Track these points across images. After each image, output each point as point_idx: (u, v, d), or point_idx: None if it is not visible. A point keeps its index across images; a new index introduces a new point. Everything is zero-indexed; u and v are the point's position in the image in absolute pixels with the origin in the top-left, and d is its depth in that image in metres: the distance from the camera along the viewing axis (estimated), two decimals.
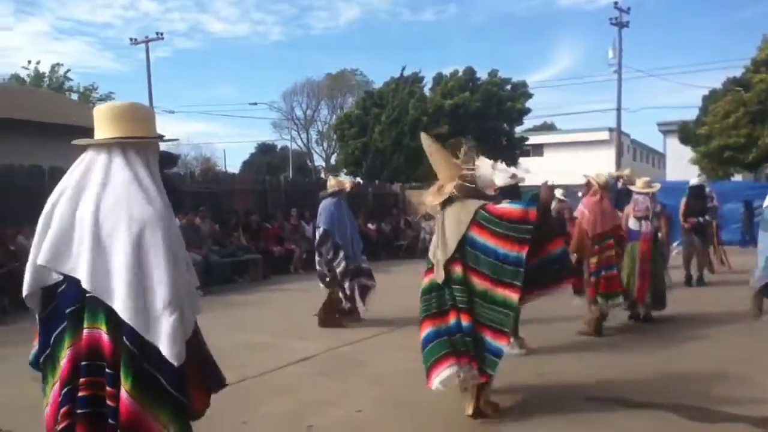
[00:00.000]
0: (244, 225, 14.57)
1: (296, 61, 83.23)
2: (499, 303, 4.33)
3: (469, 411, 4.62)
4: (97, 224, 2.23)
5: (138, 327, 2.19)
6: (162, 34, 35.29)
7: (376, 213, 19.50)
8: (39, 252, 2.28)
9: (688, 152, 29.87)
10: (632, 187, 8.52)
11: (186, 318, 2.30)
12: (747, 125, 24.56)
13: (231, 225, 14.32)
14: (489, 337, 4.35)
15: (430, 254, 4.76)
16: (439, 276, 4.51)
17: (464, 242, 4.44)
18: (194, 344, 2.42)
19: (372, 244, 17.25)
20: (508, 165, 27.89)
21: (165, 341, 2.20)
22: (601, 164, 26.52)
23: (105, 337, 2.22)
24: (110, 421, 2.19)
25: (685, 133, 29.98)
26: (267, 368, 6.11)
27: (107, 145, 2.34)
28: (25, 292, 2.35)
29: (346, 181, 9.21)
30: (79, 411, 2.21)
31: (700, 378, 5.62)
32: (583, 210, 7.59)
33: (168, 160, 2.96)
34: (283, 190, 17.68)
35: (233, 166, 56.37)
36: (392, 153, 26.55)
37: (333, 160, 45.16)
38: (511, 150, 28.62)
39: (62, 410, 2.24)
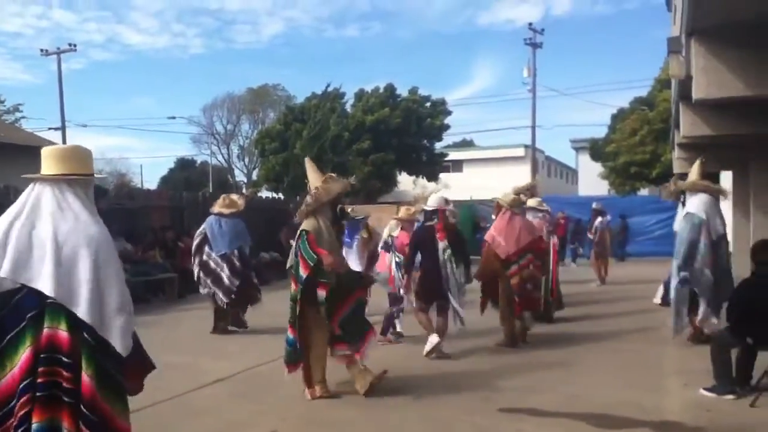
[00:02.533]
0: (159, 242, 14.13)
1: (217, 75, 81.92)
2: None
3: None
4: (58, 244, 2.81)
5: (96, 326, 2.80)
6: (75, 45, 34.01)
7: (297, 229, 19.30)
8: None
9: (598, 168, 31.25)
10: (528, 203, 8.84)
11: (131, 321, 2.94)
12: (651, 142, 25.94)
13: (146, 243, 13.87)
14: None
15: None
16: None
17: None
18: (134, 339, 3.02)
19: None
20: (429, 180, 28.32)
21: (117, 337, 2.85)
22: (517, 180, 27.34)
23: (64, 334, 2.80)
24: (65, 399, 2.77)
25: (595, 150, 31.38)
26: (181, 390, 5.94)
27: (55, 180, 2.93)
28: None
29: (236, 198, 9.76)
30: (38, 394, 2.76)
31: (608, 386, 5.86)
32: (493, 235, 7.69)
33: (99, 191, 3.37)
34: (200, 206, 17.28)
35: (151, 182, 54.74)
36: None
37: (254, 176, 44.58)
38: (431, 166, 29.10)
39: (23, 399, 2.76)
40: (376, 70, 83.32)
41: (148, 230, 14.51)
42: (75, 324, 2.80)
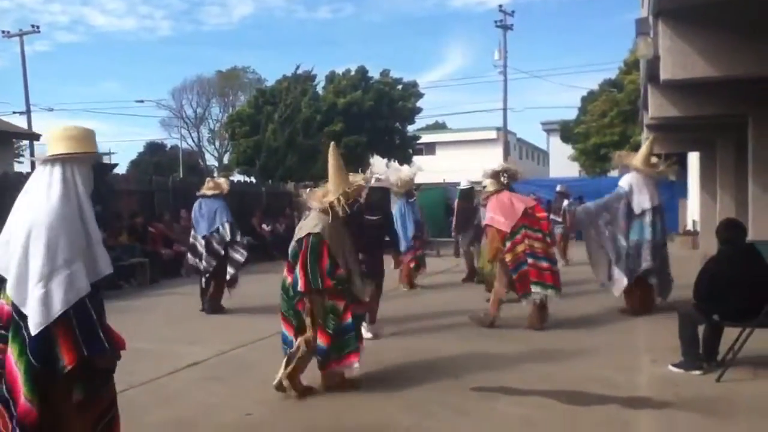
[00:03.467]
0: (128, 227, 13.94)
1: (186, 58, 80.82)
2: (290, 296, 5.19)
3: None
4: (13, 221, 3.00)
5: (16, 300, 2.91)
6: (38, 27, 33.20)
7: (269, 213, 19.25)
8: None
9: (569, 150, 31.55)
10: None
11: (52, 297, 2.87)
12: (620, 124, 26.26)
13: (115, 228, 13.67)
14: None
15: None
16: None
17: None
18: (79, 314, 2.95)
19: (266, 244, 17.07)
20: (401, 163, 28.28)
21: (29, 314, 2.88)
22: (489, 162, 27.52)
23: (6, 307, 2.97)
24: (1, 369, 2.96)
25: (566, 132, 31.65)
26: (154, 375, 5.90)
27: (49, 160, 3.05)
28: None
29: (222, 181, 9.81)
30: None
31: (579, 364, 5.95)
32: (491, 215, 7.54)
33: (106, 168, 3.67)
34: (170, 190, 17.09)
35: (120, 167, 53.93)
36: (285, 152, 26.28)
37: (225, 159, 44.11)
38: (404, 149, 29.08)
39: None
40: (347, 53, 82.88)
41: (117, 215, 14.31)
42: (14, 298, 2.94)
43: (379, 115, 27.38)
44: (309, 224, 5.25)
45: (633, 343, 6.81)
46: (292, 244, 5.35)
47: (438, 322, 8.06)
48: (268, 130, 26.89)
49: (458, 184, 13.40)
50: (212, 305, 9.28)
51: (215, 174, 41.64)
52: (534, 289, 7.39)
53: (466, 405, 4.91)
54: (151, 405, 5.14)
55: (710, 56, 5.57)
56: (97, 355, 3.01)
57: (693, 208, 19.04)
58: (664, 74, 5.86)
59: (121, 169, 45.25)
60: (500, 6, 31.84)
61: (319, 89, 28.56)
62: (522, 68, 72.31)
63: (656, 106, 9.08)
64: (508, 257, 7.42)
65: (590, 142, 27.67)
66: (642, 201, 8.17)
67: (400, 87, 28.94)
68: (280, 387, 5.15)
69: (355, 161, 27.12)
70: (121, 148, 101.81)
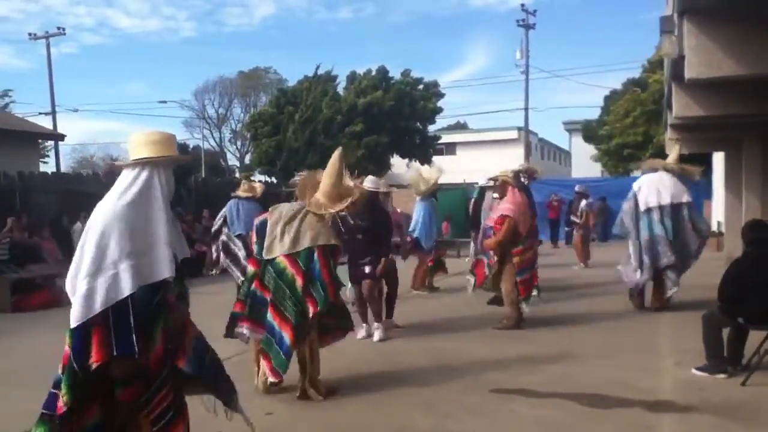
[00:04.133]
0: None
1: (208, 58, 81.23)
2: (298, 299, 5.01)
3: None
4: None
5: (70, 295, 3.05)
6: (64, 29, 33.59)
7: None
8: None
9: (591, 150, 31.25)
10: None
11: (95, 293, 2.97)
12: (644, 124, 25.93)
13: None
14: (285, 334, 4.99)
15: (269, 228, 5.27)
16: (270, 253, 5.17)
17: (309, 252, 5.10)
18: (119, 314, 3.01)
19: None
20: (422, 163, 28.32)
21: (72, 309, 3.00)
22: (511, 162, 27.36)
23: None
24: None
25: (589, 132, 31.35)
26: None
27: (134, 164, 3.17)
28: None
29: (257, 185, 10.13)
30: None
31: (600, 366, 5.88)
32: (513, 209, 7.46)
33: (188, 169, 3.57)
34: (192, 190, 17.24)
35: None
36: (306, 152, 26.40)
37: (247, 159, 44.39)
38: (424, 148, 29.06)
39: None
40: (368, 53, 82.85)
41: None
42: None
43: (400, 115, 27.37)
44: (322, 233, 5.16)
45: (655, 346, 6.72)
46: (288, 245, 5.14)
47: (457, 323, 8.02)
48: (289, 130, 27.03)
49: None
50: None
51: (236, 174, 41.97)
52: (533, 293, 7.67)
53: (485, 406, 4.87)
54: None
55: (736, 54, 5.46)
56: (121, 357, 3.02)
57: (717, 209, 18.75)
58: (689, 73, 5.77)
59: None
60: (522, 5, 31.64)
61: (340, 89, 28.64)
62: (544, 67, 72.09)
63: (681, 106, 8.95)
64: (516, 259, 7.48)
65: (613, 142, 27.38)
66: (648, 199, 8.31)
67: (421, 87, 28.91)
68: (304, 395, 5.14)
69: (376, 161, 27.17)
70: None
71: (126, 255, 3.01)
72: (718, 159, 17.85)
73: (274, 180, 26.10)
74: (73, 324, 2.98)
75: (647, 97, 25.66)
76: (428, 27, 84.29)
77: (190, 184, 17.57)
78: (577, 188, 16.03)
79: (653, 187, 8.38)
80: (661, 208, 8.25)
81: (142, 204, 3.10)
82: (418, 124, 28.83)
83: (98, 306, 2.97)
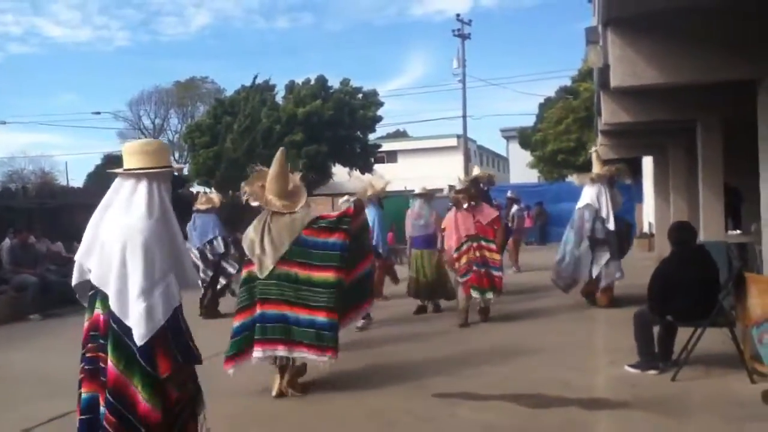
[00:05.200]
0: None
1: (144, 68, 79.19)
2: (319, 284, 5.21)
3: (274, 392, 5.35)
4: (104, 235, 3.07)
5: (118, 312, 2.98)
6: None
7: (229, 223, 19.00)
8: (78, 250, 3.17)
9: (528, 156, 31.97)
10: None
11: (155, 309, 2.97)
12: (576, 130, 26.71)
13: (73, 242, 13.38)
14: (316, 316, 5.17)
15: (249, 251, 5.45)
16: (263, 270, 5.31)
17: (294, 243, 5.30)
18: (172, 324, 3.06)
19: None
20: (363, 172, 28.30)
21: (134, 325, 2.95)
22: (451, 169, 27.76)
23: (102, 316, 3.04)
24: (102, 378, 2.99)
25: (524, 139, 32.07)
26: None
27: (130, 174, 3.15)
28: (73, 282, 3.23)
29: (214, 196, 10.59)
30: (85, 367, 3.08)
31: (539, 366, 6.04)
32: (444, 228, 8.42)
33: (179, 181, 3.44)
34: None
35: (77, 180, 52.55)
36: (245, 162, 25.98)
37: (185, 171, 43.56)
38: (365, 157, 29.14)
39: (80, 367, 3.12)
40: (307, 62, 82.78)
41: (74, 229, 14.00)
42: (110, 309, 3.03)
43: (340, 125, 27.39)
44: (295, 225, 5.38)
45: (591, 345, 6.93)
46: (273, 253, 5.33)
47: (402, 330, 8.09)
48: (228, 140, 26.70)
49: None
50: (210, 311, 9.71)
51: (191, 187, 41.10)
52: (473, 293, 7.93)
53: (429, 412, 4.93)
54: None
55: (657, 64, 5.72)
56: (189, 363, 3.19)
57: (648, 212, 19.45)
58: (614, 81, 6.01)
59: (78, 183, 44.56)
60: (458, 15, 32.24)
61: (279, 99, 28.45)
62: (481, 76, 73.31)
63: (609, 113, 9.29)
64: (456, 265, 8.04)
65: (548, 148, 28.10)
66: (601, 207, 8.91)
67: (360, 96, 29.00)
68: (281, 394, 5.35)
69: (317, 170, 27.09)
70: (78, 161, 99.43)
71: (169, 266, 3.09)
72: (648, 163, 18.55)
73: (213, 191, 25.69)
74: (141, 342, 2.95)
75: (579, 104, 26.46)
76: (367, 36, 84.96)
77: None
78: (508, 194, 16.39)
79: (585, 197, 9.06)
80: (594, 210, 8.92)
81: (160, 214, 3.14)
82: (359, 132, 28.91)
83: (161, 318, 3.00)
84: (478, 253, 7.91)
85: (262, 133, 26.25)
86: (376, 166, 30.49)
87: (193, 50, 76.95)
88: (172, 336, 3.07)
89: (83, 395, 3.06)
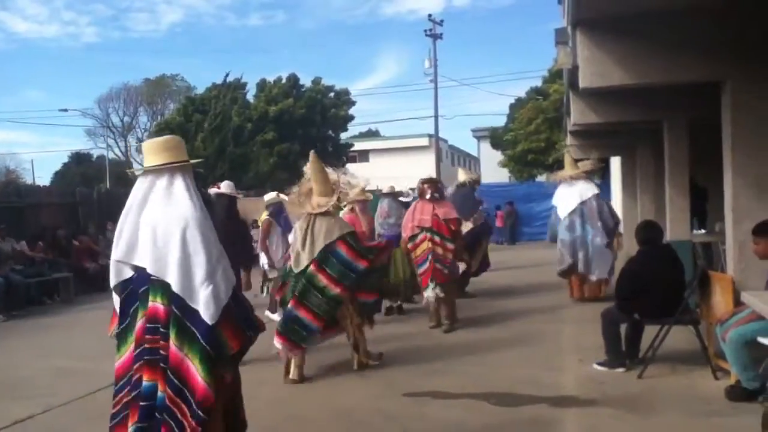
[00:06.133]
0: (50, 242, 13.39)
1: (113, 65, 77.73)
2: (330, 297, 5.78)
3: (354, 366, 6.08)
4: (155, 226, 3.16)
5: (186, 297, 3.09)
6: None
7: None
8: (116, 251, 3.23)
9: (498, 156, 32.20)
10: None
11: (219, 290, 3.12)
12: (546, 130, 26.98)
13: (37, 242, 13.13)
14: (305, 317, 5.74)
15: (292, 246, 6.22)
16: (299, 265, 5.88)
17: (326, 249, 5.80)
18: (233, 301, 3.22)
19: None
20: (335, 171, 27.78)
21: (203, 307, 3.07)
22: (423, 169, 27.81)
23: (161, 307, 3.15)
24: (161, 365, 3.12)
25: (495, 139, 32.31)
26: (75, 395, 5.71)
27: (161, 170, 3.26)
28: (111, 283, 3.34)
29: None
30: (146, 358, 3.15)
31: (509, 365, 6.09)
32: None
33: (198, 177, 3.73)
34: (95, 201, 16.55)
35: (43, 178, 51.44)
36: (216, 160, 25.86)
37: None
38: (337, 156, 29.08)
39: (137, 365, 3.16)
40: (279, 60, 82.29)
41: (40, 229, 13.75)
42: (170, 297, 3.13)
43: (312, 123, 27.31)
44: (333, 229, 5.89)
45: (560, 344, 7.00)
46: (308, 253, 5.85)
47: (374, 330, 8.06)
48: (198, 138, 26.42)
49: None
50: None
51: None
52: (429, 286, 7.81)
53: (399, 411, 4.93)
54: (74, 426, 4.98)
55: (625, 65, 5.78)
56: (255, 333, 3.34)
57: (616, 211, 19.69)
58: (582, 82, 6.06)
59: (44, 181, 43.70)
60: (429, 15, 32.29)
61: (250, 97, 28.25)
62: (452, 76, 73.61)
63: (578, 113, 9.38)
64: (411, 255, 8.09)
65: (518, 148, 28.34)
66: (566, 207, 9.45)
67: (332, 95, 28.96)
68: (362, 366, 6.05)
69: (288, 169, 26.95)
70: (45, 159, 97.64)
71: (222, 248, 3.26)
72: (616, 163, 18.80)
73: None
74: (211, 321, 3.06)
75: (549, 105, 26.74)
76: (339, 35, 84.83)
77: (93, 196, 16.85)
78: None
79: (565, 197, 9.54)
80: (572, 212, 9.36)
81: (202, 205, 3.30)
82: (330, 131, 28.86)
83: (224, 298, 3.13)
84: (431, 245, 7.81)
85: (233, 132, 26.04)
86: (348, 165, 30.45)
87: (163, 47, 75.99)
88: (237, 312, 3.24)
89: (145, 383, 3.13)
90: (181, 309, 3.11)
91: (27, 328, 9.41)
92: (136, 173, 3.44)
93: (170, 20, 75.34)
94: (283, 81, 28.30)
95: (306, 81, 28.64)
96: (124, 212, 3.29)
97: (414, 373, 5.93)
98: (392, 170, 32.22)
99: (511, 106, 31.75)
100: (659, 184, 10.79)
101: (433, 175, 13.13)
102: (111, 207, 16.29)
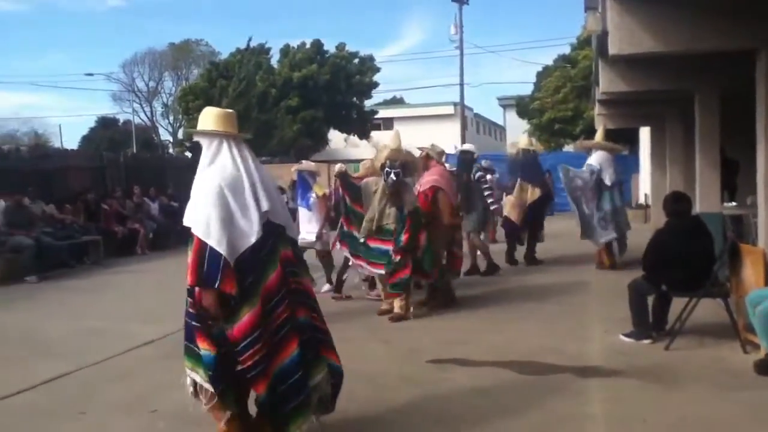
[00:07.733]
0: (78, 205, 13.57)
1: (137, 29, 77.99)
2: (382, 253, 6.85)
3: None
4: (267, 185, 3.62)
5: (290, 231, 3.76)
6: None
7: None
8: (261, 203, 3.52)
9: (525, 125, 31.84)
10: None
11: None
12: (574, 99, 26.59)
13: (67, 205, 13.32)
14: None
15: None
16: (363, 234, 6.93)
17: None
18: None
19: None
20: (360, 138, 28.18)
21: (294, 234, 3.92)
22: (448, 137, 27.59)
23: (289, 252, 3.67)
24: (307, 300, 3.74)
25: (522, 107, 31.90)
26: (106, 354, 5.81)
27: (237, 137, 3.72)
28: (224, 253, 3.36)
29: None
30: (296, 298, 3.61)
31: (533, 335, 6.08)
32: (440, 180, 7.45)
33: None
34: (122, 166, 16.71)
35: (71, 142, 51.93)
36: (240, 126, 25.88)
37: (180, 134, 43.25)
38: (362, 123, 28.99)
39: (283, 305, 3.51)
40: (303, 26, 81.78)
41: (67, 192, 13.94)
42: (291, 242, 3.75)
43: (336, 90, 27.18)
44: (404, 204, 6.71)
45: (586, 314, 6.97)
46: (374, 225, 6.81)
47: None
48: (222, 104, 26.44)
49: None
50: None
51: (171, 149, 40.86)
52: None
53: (422, 377, 4.96)
54: (103, 384, 5.07)
55: (655, 32, 5.65)
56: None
57: (645, 183, 19.46)
58: (611, 49, 5.93)
59: (72, 145, 44.19)
60: None
61: (274, 63, 28.13)
62: (478, 43, 72.39)
63: (607, 81, 9.21)
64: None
65: (545, 117, 27.99)
66: (611, 175, 9.56)
67: (356, 61, 28.71)
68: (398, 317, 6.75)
69: (313, 136, 26.94)
70: (72, 124, 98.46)
71: None
72: (645, 134, 18.50)
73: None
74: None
75: (577, 73, 26.29)
76: (363, 0, 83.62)
77: (120, 160, 17.00)
78: (483, 163, 15.92)
79: (610, 166, 9.59)
80: (613, 185, 9.64)
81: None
82: (355, 98, 28.69)
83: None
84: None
85: (258, 97, 26.01)
86: (373, 133, 30.30)
87: (188, 12, 75.92)
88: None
89: (302, 319, 3.60)
90: (296, 247, 3.83)
91: (57, 289, 9.59)
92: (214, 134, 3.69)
93: None
94: (308, 46, 28.11)
95: (330, 47, 28.44)
96: (234, 176, 3.51)
97: (436, 341, 5.95)
98: (417, 138, 32.01)
99: (538, 75, 31.24)
100: (689, 155, 10.62)
101: (458, 145, 12.86)
102: (137, 172, 16.46)
